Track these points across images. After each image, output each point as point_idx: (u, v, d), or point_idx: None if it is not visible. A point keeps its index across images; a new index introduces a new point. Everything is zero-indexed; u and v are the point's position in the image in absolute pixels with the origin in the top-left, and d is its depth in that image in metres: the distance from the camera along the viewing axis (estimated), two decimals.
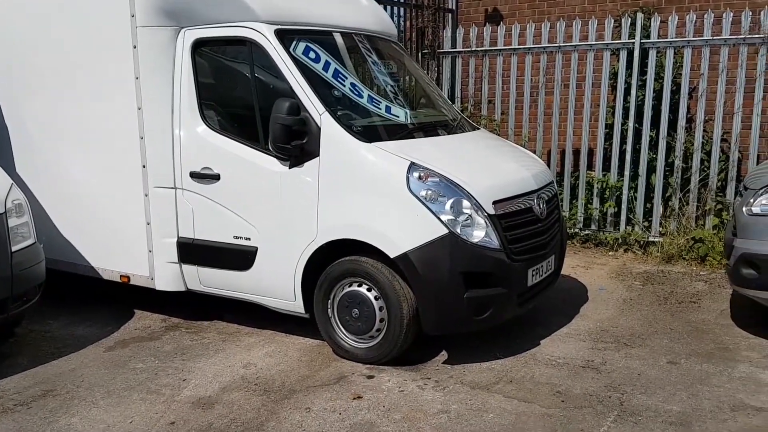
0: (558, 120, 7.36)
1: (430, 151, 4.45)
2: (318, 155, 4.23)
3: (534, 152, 7.53)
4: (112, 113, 4.83)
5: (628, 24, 6.87)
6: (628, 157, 7.01)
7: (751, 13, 6.36)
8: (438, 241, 4.00)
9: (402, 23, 8.54)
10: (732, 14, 6.41)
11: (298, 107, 4.21)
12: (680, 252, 6.65)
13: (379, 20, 5.50)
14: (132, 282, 5.05)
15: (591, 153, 7.42)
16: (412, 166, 4.10)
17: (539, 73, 7.39)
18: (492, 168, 4.61)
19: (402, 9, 8.42)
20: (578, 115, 7.31)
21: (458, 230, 4.04)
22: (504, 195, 4.28)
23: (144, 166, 4.78)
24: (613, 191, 7.17)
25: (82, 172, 5.06)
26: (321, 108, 4.23)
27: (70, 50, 4.92)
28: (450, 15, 8.90)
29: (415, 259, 3.99)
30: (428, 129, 4.85)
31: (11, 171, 5.08)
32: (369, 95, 4.66)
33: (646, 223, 7.05)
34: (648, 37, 6.83)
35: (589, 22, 7.06)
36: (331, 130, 4.21)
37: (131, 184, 4.84)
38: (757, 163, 6.46)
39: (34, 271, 4.39)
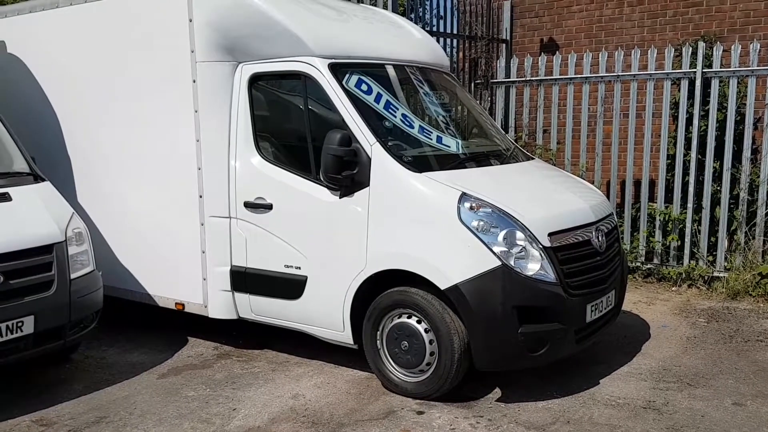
0: (617, 150, 7.18)
1: (482, 181, 4.39)
2: (368, 185, 4.23)
3: (592, 183, 7.39)
4: (171, 145, 4.96)
5: (689, 53, 6.69)
6: (691, 188, 6.76)
7: None
8: (490, 274, 3.91)
9: (455, 54, 8.56)
10: None
11: (349, 138, 4.23)
12: (746, 288, 6.34)
13: (431, 52, 5.51)
14: (186, 309, 5.12)
15: (652, 184, 7.19)
16: (464, 197, 4.04)
17: (597, 102, 7.25)
18: (547, 199, 4.50)
19: (455, 40, 8.43)
20: (638, 145, 7.11)
21: (512, 262, 3.94)
22: (560, 227, 4.17)
23: (201, 196, 4.87)
24: (675, 224, 6.92)
25: (140, 201, 5.19)
26: (372, 139, 4.23)
27: (134, 83, 5.08)
28: (504, 45, 8.88)
29: (467, 291, 3.90)
30: (480, 159, 4.79)
31: (73, 199, 5.26)
32: (420, 126, 4.65)
33: (710, 258, 6.76)
34: (710, 66, 6.63)
35: (649, 51, 6.91)
36: (381, 161, 4.20)
37: (188, 213, 4.94)
38: None
39: (92, 299, 4.50)
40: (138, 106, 5.09)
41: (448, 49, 8.28)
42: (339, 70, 4.49)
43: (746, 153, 6.49)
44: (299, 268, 4.55)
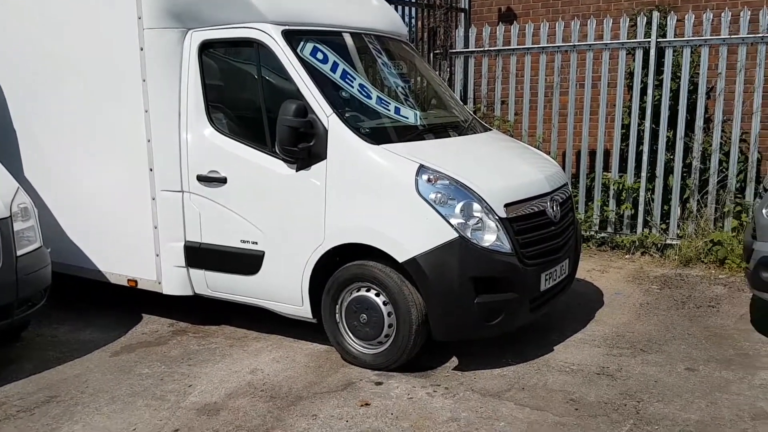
0: (573, 120, 7.23)
1: (440, 153, 4.36)
2: (325, 158, 4.16)
3: (548, 153, 7.43)
4: (119, 116, 4.80)
5: (644, 23, 6.73)
6: (644, 158, 6.87)
7: None
8: (448, 246, 3.90)
9: (413, 23, 8.46)
10: (750, 12, 6.26)
11: (305, 109, 4.14)
12: (698, 255, 6.50)
13: (389, 20, 5.42)
14: (139, 286, 5.01)
15: (607, 154, 7.28)
16: (421, 169, 4.01)
17: (554, 73, 7.27)
18: (504, 170, 4.50)
19: (413, 9, 8.32)
20: (594, 116, 7.18)
21: (468, 234, 3.94)
22: (516, 198, 4.18)
23: (151, 170, 4.74)
24: (629, 193, 7.03)
25: (89, 175, 5.02)
26: (328, 110, 4.16)
27: (79, 53, 4.88)
28: (462, 14, 8.81)
29: (424, 263, 3.90)
30: (438, 130, 4.76)
31: (19, 175, 5.06)
32: (378, 96, 4.58)
33: (663, 226, 6.91)
34: (664, 36, 6.69)
35: (604, 21, 6.93)
36: (338, 133, 4.13)
37: (138, 187, 4.80)
38: None
39: (39, 276, 4.35)
40: (84, 77, 4.90)
41: (407, 18, 8.17)
42: (293, 37, 4.38)
43: (699, 122, 6.61)
44: (256, 243, 4.48)
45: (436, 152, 4.33)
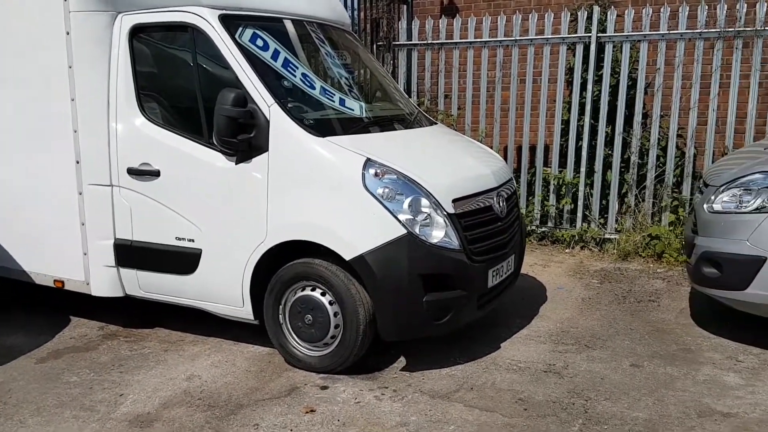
0: (515, 116, 7.23)
1: (387, 146, 4.23)
2: (267, 150, 3.95)
3: (491, 148, 7.42)
4: (44, 105, 4.46)
5: (585, 18, 6.77)
6: (584, 153, 6.92)
7: (707, 8, 6.33)
8: (396, 242, 3.77)
9: (356, 14, 8.28)
10: (688, 8, 6.37)
11: (244, 98, 3.93)
12: (636, 249, 6.60)
13: (331, 8, 5.23)
14: (66, 287, 4.68)
15: (547, 149, 7.31)
16: (368, 163, 3.86)
17: (496, 67, 7.24)
18: (451, 165, 4.40)
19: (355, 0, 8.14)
20: (534, 111, 7.20)
21: (417, 230, 3.82)
22: (464, 193, 4.08)
23: (78, 162, 4.42)
24: (569, 188, 7.08)
25: (12, 168, 4.66)
26: (270, 99, 3.95)
27: (1, 38, 4.50)
28: (405, 6, 8.68)
29: (372, 261, 3.75)
30: (384, 123, 4.62)
31: None
32: (322, 87, 4.39)
33: (602, 220, 6.99)
34: (604, 31, 6.75)
35: (546, 15, 6.94)
36: (280, 124, 3.93)
37: (64, 181, 4.48)
38: (713, 159, 6.45)
39: None
40: (6, 63, 4.52)
41: (349, 9, 7.97)
42: (231, 22, 4.15)
43: (637, 117, 6.70)
44: (192, 240, 4.24)
45: (382, 146, 4.19)
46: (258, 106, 3.94)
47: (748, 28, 6.16)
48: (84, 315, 5.00)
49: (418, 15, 8.39)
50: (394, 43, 7.88)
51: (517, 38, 7.06)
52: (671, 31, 6.43)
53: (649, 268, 6.29)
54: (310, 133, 3.94)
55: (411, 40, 7.71)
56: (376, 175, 3.84)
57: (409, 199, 3.84)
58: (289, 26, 4.60)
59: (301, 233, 3.91)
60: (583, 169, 6.96)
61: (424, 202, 3.87)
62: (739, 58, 6.24)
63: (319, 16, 4.94)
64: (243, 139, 3.92)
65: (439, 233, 3.88)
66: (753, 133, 6.29)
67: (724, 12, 6.23)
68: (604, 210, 7.01)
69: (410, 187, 3.87)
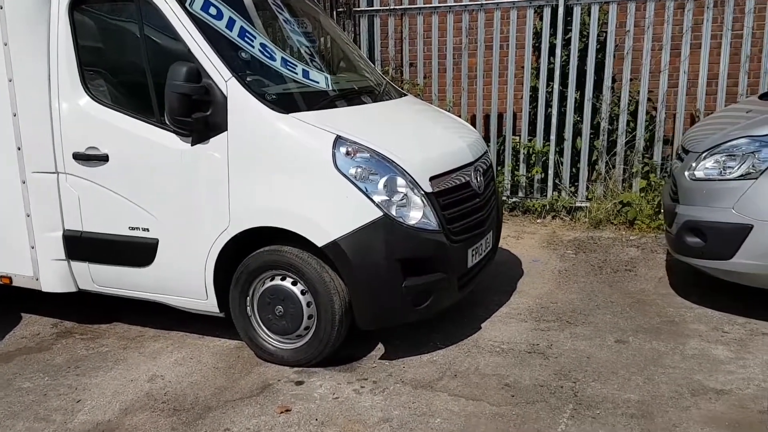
0: (482, 83, 6.99)
1: (357, 122, 3.94)
2: (226, 129, 3.63)
3: (459, 117, 7.18)
4: None
5: None
6: (553, 120, 6.73)
7: None
8: (371, 226, 3.51)
9: None
10: None
11: (198, 73, 3.58)
12: (608, 217, 6.49)
13: None
14: (14, 283, 4.32)
15: (516, 117, 7.11)
16: (339, 140, 3.58)
17: (461, 33, 6.96)
18: (426, 139, 4.14)
19: None
20: (502, 78, 6.97)
21: (393, 212, 3.57)
22: (441, 169, 3.84)
23: (19, 149, 4.04)
24: (539, 157, 6.91)
25: None
26: (227, 73, 3.61)
27: None
28: None
29: (346, 246, 3.49)
30: (352, 96, 4.32)
31: None
32: (283, 58, 4.06)
33: (572, 189, 6.85)
34: None
35: None
36: (239, 99, 3.60)
37: (5, 169, 4.10)
38: (683, 122, 6.33)
39: None
40: None
41: None
42: None
43: (607, 82, 6.52)
44: (147, 229, 3.91)
45: (352, 121, 3.90)
46: (214, 81, 3.60)
47: None
48: (36, 311, 4.65)
49: None
50: (354, 9, 7.51)
51: (483, 2, 6.79)
52: None
53: (622, 236, 6.18)
54: (272, 109, 3.62)
55: (372, 6, 7.36)
56: (347, 153, 3.56)
57: (384, 179, 3.57)
58: None
59: (267, 219, 3.62)
60: (552, 138, 6.79)
61: (400, 181, 3.61)
62: (710, 17, 6.09)
63: None
64: (198, 117, 3.59)
65: (417, 214, 3.64)
66: (724, 95, 6.18)
67: None
68: (574, 178, 6.87)
69: (385, 166, 3.60)
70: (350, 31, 7.53)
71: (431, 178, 3.74)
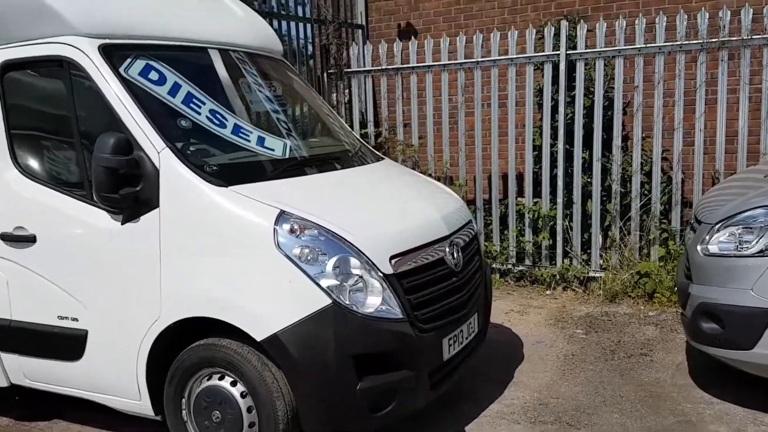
0: (481, 143, 6.53)
1: (311, 193, 3.48)
2: (158, 205, 3.19)
3: (457, 179, 6.72)
4: None
5: (552, 34, 6.11)
6: (559, 182, 6.20)
7: (686, 17, 5.66)
8: (318, 315, 2.99)
9: (308, 41, 7.63)
10: (666, 19, 5.71)
11: (128, 144, 3.17)
12: (625, 289, 5.85)
13: (258, 34, 4.52)
14: None
15: (520, 178, 6.61)
16: (283, 216, 3.10)
17: (458, 91, 6.55)
18: (392, 211, 3.62)
19: (306, 25, 7.43)
20: (503, 137, 6.50)
21: (345, 299, 3.05)
22: (406, 246, 3.32)
23: None
24: (546, 221, 6.35)
25: None
26: (160, 144, 3.20)
27: None
28: (360, 31, 8.02)
29: (289, 341, 2.96)
30: (314, 164, 3.86)
31: None
32: (236, 124, 3.64)
33: (584, 257, 6.25)
34: (574, 47, 6.08)
35: (509, 34, 6.27)
36: (172, 172, 3.17)
37: None
38: (703, 183, 5.74)
39: None
40: None
41: (302, 34, 7.31)
42: (116, 53, 3.41)
43: (616, 141, 5.99)
44: (76, 319, 3.45)
45: (305, 193, 3.44)
46: (145, 153, 3.19)
47: (734, 38, 5.50)
48: None
49: (374, 40, 7.72)
50: (346, 70, 7.18)
51: (479, 59, 6.39)
52: (649, 45, 5.76)
53: (640, 311, 5.53)
54: (210, 182, 3.18)
55: (364, 66, 7.03)
56: (292, 231, 3.08)
57: (334, 260, 3.07)
58: (200, 55, 3.88)
59: (200, 309, 3.13)
60: (560, 200, 6.24)
61: (354, 262, 3.11)
62: (725, 70, 5.57)
63: (241, 43, 4.22)
64: (126, 193, 3.16)
65: (374, 300, 3.11)
66: (745, 153, 5.59)
67: (706, 21, 5.57)
68: (586, 245, 6.28)
69: (336, 245, 3.11)
70: (342, 92, 7.20)
71: (393, 257, 3.22)
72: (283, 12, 7.34)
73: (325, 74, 7.24)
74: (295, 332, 2.97)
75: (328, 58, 7.25)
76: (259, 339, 3.00)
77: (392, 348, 3.13)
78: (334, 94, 7.30)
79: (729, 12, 5.52)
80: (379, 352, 3.09)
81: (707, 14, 5.58)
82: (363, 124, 7.18)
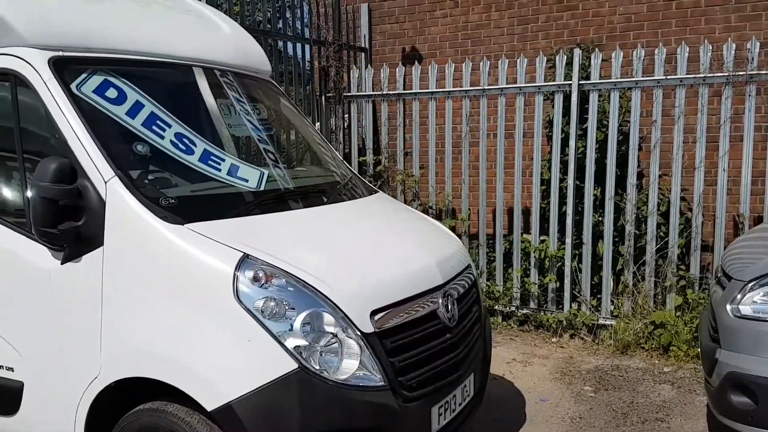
0: (486, 175, 6.10)
1: (287, 233, 3.03)
2: (102, 243, 2.75)
3: (459, 212, 6.29)
4: None
5: (564, 63, 5.70)
6: (569, 220, 5.75)
7: (711, 48, 5.24)
8: (281, 382, 2.52)
9: (307, 62, 7.26)
10: (688, 50, 5.29)
11: (72, 171, 2.75)
12: (637, 340, 5.37)
13: (242, 51, 4.12)
14: None
15: (526, 213, 6.16)
16: (246, 261, 2.65)
17: (462, 121, 6.14)
18: (377, 256, 3.15)
19: (305, 46, 7.05)
20: (509, 169, 6.07)
21: (315, 363, 2.58)
22: (391, 298, 2.86)
23: None
24: (553, 261, 5.89)
25: None
26: (108, 171, 2.76)
27: None
28: (363, 54, 7.65)
29: (244, 412, 2.49)
30: (294, 198, 3.42)
31: None
32: (205, 150, 3.21)
33: (594, 302, 5.77)
34: (587, 77, 5.67)
35: (518, 61, 5.87)
36: (120, 205, 2.74)
37: None
38: (724, 227, 5.27)
39: None
40: None
41: (304, 56, 6.95)
42: (69, 67, 3.00)
43: (631, 178, 5.55)
44: (12, 369, 2.99)
45: (279, 232, 3.00)
46: (90, 181, 2.76)
47: (763, 71, 5.06)
48: None
49: (377, 64, 7.35)
50: (344, 94, 6.79)
51: (486, 87, 5.98)
52: (669, 77, 5.33)
53: (654, 366, 5.03)
54: (165, 218, 2.73)
55: (365, 91, 6.63)
56: (255, 279, 2.63)
57: (303, 315, 2.61)
58: (175, 73, 3.49)
59: (144, 368, 2.66)
60: (568, 240, 5.79)
61: (328, 318, 2.64)
62: (753, 106, 5.12)
63: (222, 61, 3.82)
64: (66, 228, 2.72)
65: (350, 365, 2.64)
66: None
67: (732, 52, 5.15)
68: (596, 289, 5.80)
69: (307, 297, 2.65)
70: (341, 117, 6.80)
71: (375, 312, 2.76)
72: (280, 31, 6.98)
73: (323, 98, 6.84)
74: (253, 402, 2.50)
75: (327, 81, 6.86)
76: (209, 409, 2.53)
77: (369, 423, 2.65)
78: (332, 119, 6.90)
79: (758, 43, 5.09)
80: (354, 428, 2.62)
81: (734, 45, 5.16)
82: (362, 152, 6.77)
